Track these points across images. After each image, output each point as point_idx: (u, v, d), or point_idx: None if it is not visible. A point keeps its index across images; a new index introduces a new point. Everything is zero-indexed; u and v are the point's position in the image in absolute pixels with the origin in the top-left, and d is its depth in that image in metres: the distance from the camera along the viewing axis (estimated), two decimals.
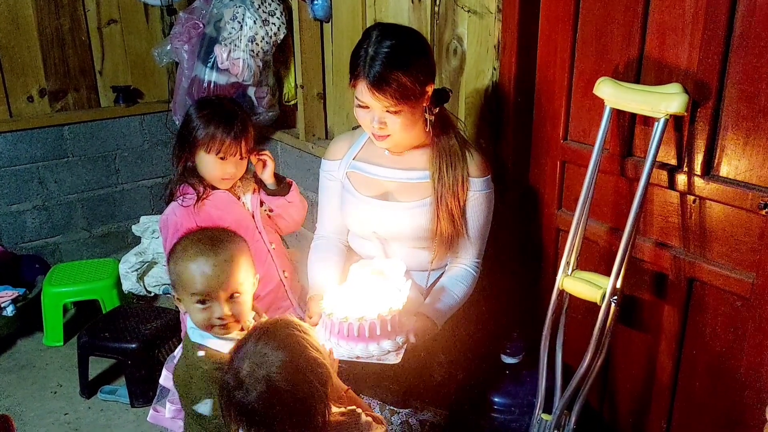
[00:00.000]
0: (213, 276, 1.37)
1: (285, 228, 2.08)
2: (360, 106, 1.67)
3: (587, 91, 1.78)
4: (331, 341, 1.55)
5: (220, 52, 2.79)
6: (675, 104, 1.48)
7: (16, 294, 2.96)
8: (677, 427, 1.83)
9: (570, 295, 1.75)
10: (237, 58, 2.79)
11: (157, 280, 3.22)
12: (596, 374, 1.69)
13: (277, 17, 2.86)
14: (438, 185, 1.74)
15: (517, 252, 2.15)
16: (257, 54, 2.83)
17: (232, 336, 1.43)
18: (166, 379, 1.70)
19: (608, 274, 1.62)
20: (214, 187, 1.91)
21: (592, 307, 1.67)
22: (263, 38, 2.82)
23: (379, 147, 1.78)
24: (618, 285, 1.61)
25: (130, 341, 2.49)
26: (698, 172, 1.61)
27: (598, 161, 1.66)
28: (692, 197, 1.64)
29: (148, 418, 1.80)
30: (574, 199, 1.77)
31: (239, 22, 2.79)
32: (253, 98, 2.99)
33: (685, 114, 1.53)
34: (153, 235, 3.29)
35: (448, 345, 1.81)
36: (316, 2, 2.66)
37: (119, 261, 3.18)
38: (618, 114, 1.70)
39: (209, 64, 2.84)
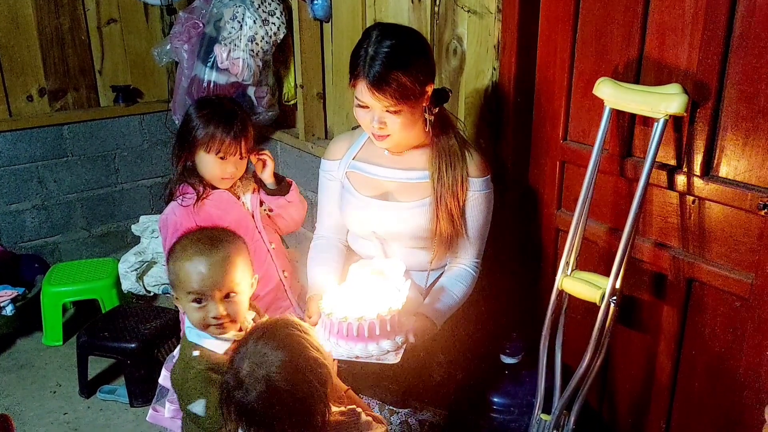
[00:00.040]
0: (208, 275, 1.37)
1: (285, 228, 2.08)
2: (360, 106, 1.67)
3: (587, 92, 1.78)
4: (331, 341, 1.55)
5: (219, 52, 2.79)
6: (674, 105, 1.48)
7: (16, 293, 2.96)
8: (676, 428, 1.83)
9: (569, 295, 1.75)
10: (237, 58, 2.79)
11: (156, 279, 3.22)
12: (595, 374, 1.69)
13: (277, 17, 2.86)
14: (437, 185, 1.74)
15: (516, 252, 2.15)
16: (257, 54, 2.83)
17: (228, 336, 1.43)
18: (165, 378, 1.70)
19: (607, 275, 1.62)
20: (213, 187, 1.91)
21: (591, 308, 1.67)
22: (263, 38, 2.82)
23: (378, 147, 1.78)
24: (617, 285, 1.61)
25: (129, 341, 2.49)
26: (697, 173, 1.61)
27: (598, 161, 1.66)
28: (691, 198, 1.64)
29: (147, 418, 1.80)
30: (574, 199, 1.77)
31: (239, 22, 2.79)
32: (253, 98, 2.99)
33: (685, 114, 1.53)
34: (152, 234, 3.29)
35: (447, 345, 1.81)
36: (316, 2, 2.66)
37: (119, 261, 3.18)
38: (617, 114, 1.70)
39: (209, 64, 2.84)
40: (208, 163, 1.86)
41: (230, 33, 2.79)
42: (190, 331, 1.47)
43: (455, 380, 1.86)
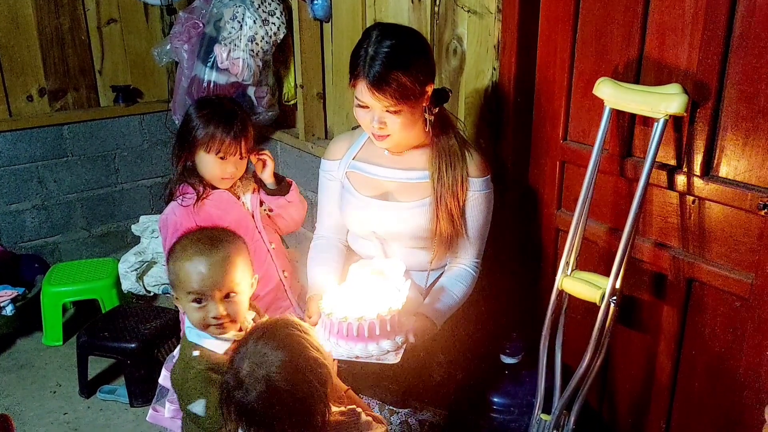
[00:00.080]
0: (208, 275, 1.37)
1: (285, 228, 2.08)
2: (360, 106, 1.67)
3: (587, 92, 1.78)
4: (331, 341, 1.55)
5: (219, 52, 2.79)
6: (674, 105, 1.48)
7: (16, 293, 2.96)
8: (676, 428, 1.83)
9: (569, 295, 1.75)
10: (237, 58, 2.79)
11: (156, 279, 3.22)
12: (595, 374, 1.69)
13: (277, 17, 2.86)
14: (437, 185, 1.74)
15: (516, 252, 2.15)
16: (257, 54, 2.83)
17: (228, 336, 1.43)
18: (165, 378, 1.70)
19: (607, 275, 1.62)
20: (213, 187, 1.91)
21: (591, 308, 1.67)
22: (263, 38, 2.82)
23: (378, 147, 1.78)
24: (617, 285, 1.61)
25: (129, 341, 2.49)
26: (697, 173, 1.61)
27: (598, 161, 1.66)
28: (691, 198, 1.64)
29: (147, 418, 1.80)
30: (574, 199, 1.77)
31: (239, 22, 2.79)
32: (253, 98, 2.99)
33: (685, 114, 1.53)
34: (152, 234, 3.29)
35: (447, 345, 1.81)
36: (315, 2, 2.66)
37: (118, 260, 3.18)
38: (617, 114, 1.70)
39: (209, 64, 2.84)
40: (208, 163, 1.86)
41: (230, 33, 2.79)
42: (190, 331, 1.47)
43: (455, 380, 1.86)
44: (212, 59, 2.83)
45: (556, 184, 2.00)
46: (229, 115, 1.85)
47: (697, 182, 1.61)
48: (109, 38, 3.50)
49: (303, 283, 2.05)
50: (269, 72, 2.98)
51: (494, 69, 2.01)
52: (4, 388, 2.64)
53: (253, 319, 1.50)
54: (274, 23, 2.85)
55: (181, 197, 1.88)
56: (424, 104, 1.69)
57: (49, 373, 2.73)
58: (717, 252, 1.63)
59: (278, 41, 2.90)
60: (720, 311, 1.65)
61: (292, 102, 3.08)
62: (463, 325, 1.88)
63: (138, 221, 3.42)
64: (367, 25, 2.20)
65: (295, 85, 2.99)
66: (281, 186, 2.00)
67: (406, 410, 1.73)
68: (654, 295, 1.79)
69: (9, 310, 2.89)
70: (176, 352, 1.59)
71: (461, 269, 1.83)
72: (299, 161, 3.10)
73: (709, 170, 1.61)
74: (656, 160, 1.55)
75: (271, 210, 2.01)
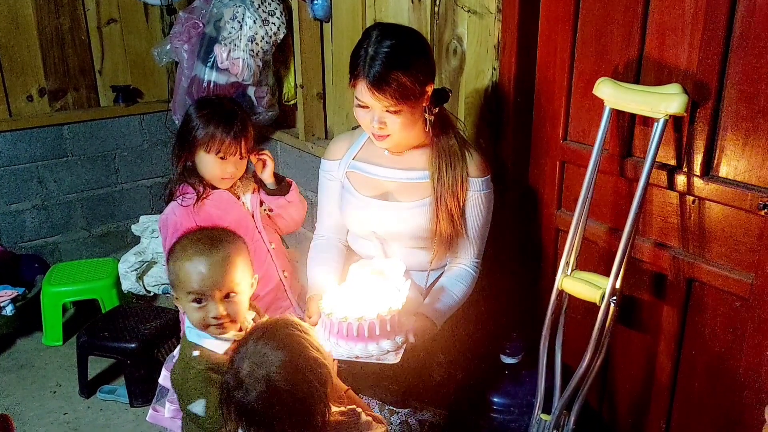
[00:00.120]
0: (208, 275, 1.38)
1: (285, 228, 2.08)
2: (360, 106, 1.67)
3: (587, 92, 1.78)
4: (331, 341, 1.55)
5: (219, 52, 2.79)
6: (674, 105, 1.48)
7: (16, 293, 2.96)
8: (676, 428, 1.83)
9: (569, 295, 1.75)
10: (237, 58, 2.79)
11: (156, 279, 3.22)
12: (595, 374, 1.69)
13: (277, 17, 2.86)
14: (437, 185, 1.74)
15: (516, 252, 2.15)
16: (257, 54, 2.83)
17: (228, 336, 1.43)
18: (165, 378, 1.70)
19: (607, 275, 1.62)
20: (213, 187, 1.91)
21: (591, 308, 1.67)
22: (263, 38, 2.82)
23: (378, 147, 1.78)
24: (617, 285, 1.61)
25: (129, 341, 2.49)
26: (697, 173, 1.61)
27: (598, 161, 1.66)
28: (691, 198, 1.64)
29: (147, 418, 1.80)
30: (574, 199, 1.77)
31: (239, 22, 2.79)
32: (253, 98, 2.99)
33: (685, 114, 1.53)
34: (152, 234, 3.29)
35: (447, 345, 1.81)
36: (315, 2, 2.66)
37: (118, 260, 3.18)
38: (617, 114, 1.70)
39: (209, 64, 2.84)
40: (208, 163, 1.86)
41: (230, 33, 2.79)
42: (190, 331, 1.47)
43: (455, 380, 1.86)
44: (212, 59, 2.83)
45: (556, 184, 2.00)
46: (229, 115, 1.85)
47: (697, 182, 1.61)
48: (109, 38, 3.50)
49: (303, 283, 2.05)
50: (269, 72, 2.98)
51: (494, 69, 2.01)
52: (4, 388, 2.64)
53: (253, 319, 1.50)
54: (274, 23, 2.85)
55: (181, 197, 1.88)
56: (424, 104, 1.69)
57: (49, 373, 2.73)
58: (717, 252, 1.63)
59: (278, 41, 2.90)
60: (720, 311, 1.65)
61: (292, 102, 3.08)
62: (463, 325, 1.88)
63: (138, 221, 3.42)
64: (367, 25, 2.20)
65: (295, 85, 3.00)
66: (281, 186, 2.00)
67: (406, 410, 1.73)
68: (654, 295, 1.79)
69: (9, 310, 2.90)
70: (176, 352, 1.59)
71: (461, 269, 1.83)
72: (299, 161, 3.10)
73: (709, 170, 1.61)
74: (656, 160, 1.55)
75: (271, 210, 2.02)
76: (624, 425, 1.98)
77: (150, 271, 3.22)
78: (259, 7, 2.81)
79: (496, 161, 2.04)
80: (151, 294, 3.23)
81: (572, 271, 1.73)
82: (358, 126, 1.80)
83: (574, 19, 1.82)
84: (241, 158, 1.87)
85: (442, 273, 1.87)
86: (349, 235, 1.95)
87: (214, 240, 1.42)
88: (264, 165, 1.96)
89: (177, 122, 2.91)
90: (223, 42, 2.80)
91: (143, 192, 3.77)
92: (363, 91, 1.62)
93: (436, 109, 1.74)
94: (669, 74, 1.63)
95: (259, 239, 1.96)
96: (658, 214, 1.74)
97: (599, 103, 1.64)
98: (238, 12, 2.79)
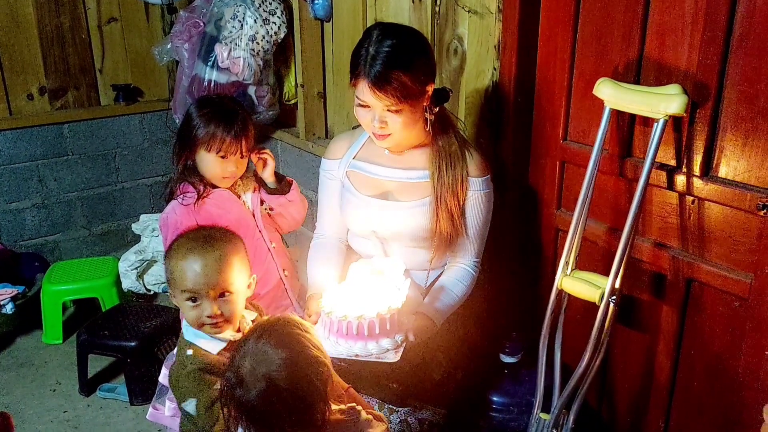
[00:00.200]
0: (202, 274, 1.38)
1: (285, 227, 2.08)
2: (360, 105, 1.67)
3: (587, 92, 1.79)
4: (330, 339, 1.56)
5: (220, 51, 2.80)
6: (674, 105, 1.48)
7: (16, 292, 2.96)
8: (675, 427, 1.83)
9: (569, 294, 1.76)
10: (237, 57, 2.79)
11: (156, 278, 3.22)
12: (595, 374, 1.69)
13: (278, 16, 2.86)
14: (437, 185, 1.74)
15: (516, 252, 2.15)
16: (258, 53, 2.83)
17: (224, 336, 1.43)
18: (165, 377, 1.71)
19: (607, 274, 1.62)
20: (214, 186, 1.91)
21: (590, 307, 1.67)
22: (264, 37, 2.83)
23: (379, 146, 1.78)
24: (617, 285, 1.62)
25: (129, 339, 2.50)
26: (697, 173, 1.62)
27: (598, 161, 1.66)
28: (691, 198, 1.65)
29: (147, 416, 1.81)
30: (574, 199, 1.77)
31: (240, 21, 2.79)
32: (254, 97, 2.99)
33: (685, 115, 1.53)
34: (153, 233, 3.30)
35: (447, 344, 1.81)
36: (316, 2, 2.66)
37: (119, 259, 3.18)
38: (617, 115, 1.70)
39: (210, 63, 2.84)
40: (209, 162, 1.86)
41: (231, 32, 2.79)
42: (187, 329, 1.47)
43: (455, 379, 1.87)
44: (213, 58, 2.83)
45: (556, 184, 2.00)
46: (229, 114, 1.85)
47: (697, 182, 1.62)
48: (109, 37, 3.50)
49: (303, 282, 2.05)
50: (270, 71, 2.98)
51: (495, 69, 2.01)
52: (4, 386, 2.65)
53: (253, 320, 1.49)
54: (274, 22, 2.85)
55: (181, 196, 1.88)
56: (424, 104, 1.69)
57: (49, 372, 2.73)
58: (716, 252, 1.63)
59: (279, 40, 2.90)
60: (719, 311, 1.65)
61: (293, 101, 3.09)
62: (463, 324, 1.88)
63: (138, 220, 3.42)
64: (368, 25, 2.20)
65: (296, 84, 3.00)
66: (282, 185, 2.00)
67: (405, 409, 1.73)
68: (653, 295, 1.79)
69: (9, 309, 2.90)
70: (176, 350, 1.60)
71: (461, 269, 1.84)
72: (300, 160, 3.10)
73: (708, 171, 1.61)
74: (656, 160, 1.55)
75: (271, 209, 2.02)
76: (623, 424, 1.98)
77: (150, 269, 3.22)
78: (260, 6, 2.81)
79: (496, 161, 2.04)
80: (152, 292, 3.23)
81: (572, 270, 1.73)
82: (359, 125, 1.80)
83: (574, 19, 1.83)
84: (241, 157, 1.88)
85: (441, 272, 1.87)
86: (349, 235, 1.96)
87: (209, 239, 1.42)
88: (265, 164, 1.96)
89: (177, 121, 2.91)
90: (223, 41, 2.80)
91: (144, 191, 3.78)
92: (364, 90, 1.62)
93: (437, 109, 1.74)
94: (669, 75, 1.63)
95: (259, 238, 1.96)
96: (658, 214, 1.74)
97: (599, 104, 1.64)
98: (238, 11, 2.79)
